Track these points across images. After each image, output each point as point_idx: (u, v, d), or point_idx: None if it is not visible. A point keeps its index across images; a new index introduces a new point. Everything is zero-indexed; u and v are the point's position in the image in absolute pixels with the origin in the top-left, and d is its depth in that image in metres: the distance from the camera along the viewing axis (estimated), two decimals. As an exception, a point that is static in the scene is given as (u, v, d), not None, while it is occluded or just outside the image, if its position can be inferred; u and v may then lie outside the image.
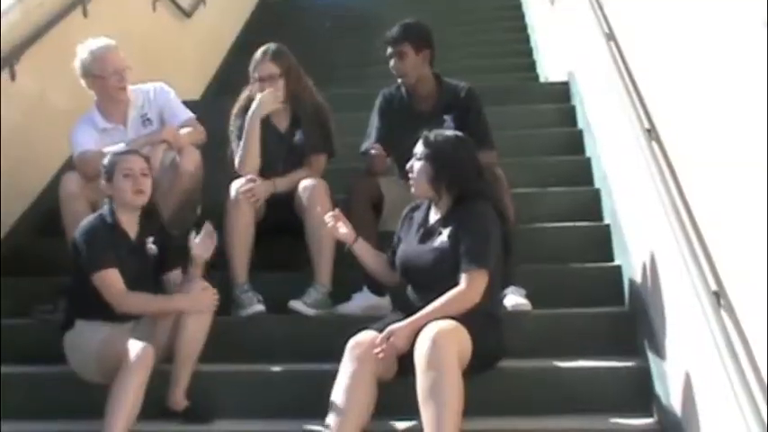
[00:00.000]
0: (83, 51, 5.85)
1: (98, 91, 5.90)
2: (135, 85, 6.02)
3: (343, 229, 4.98)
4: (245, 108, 5.79)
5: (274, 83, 5.72)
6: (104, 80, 5.84)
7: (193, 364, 4.88)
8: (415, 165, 4.75)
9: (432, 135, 4.76)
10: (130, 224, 5.03)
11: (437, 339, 4.20)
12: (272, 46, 5.79)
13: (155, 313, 4.97)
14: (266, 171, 5.66)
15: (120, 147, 5.42)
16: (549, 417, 4.68)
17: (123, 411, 4.50)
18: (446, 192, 4.72)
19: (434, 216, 4.78)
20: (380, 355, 4.37)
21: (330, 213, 5.02)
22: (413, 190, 4.81)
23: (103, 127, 5.91)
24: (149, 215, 5.13)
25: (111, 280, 4.86)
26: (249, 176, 5.55)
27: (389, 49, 5.80)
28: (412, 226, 4.84)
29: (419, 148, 4.75)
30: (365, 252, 5.04)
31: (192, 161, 5.78)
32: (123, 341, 4.67)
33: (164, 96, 6.07)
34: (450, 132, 4.84)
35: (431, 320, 4.36)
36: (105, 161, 5.07)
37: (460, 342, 4.30)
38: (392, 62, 5.79)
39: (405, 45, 5.73)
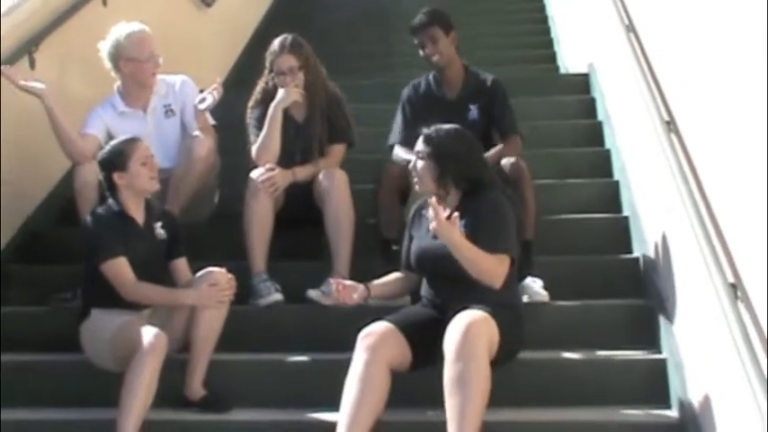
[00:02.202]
0: (119, 34, 5.86)
1: (129, 75, 5.92)
2: (160, 75, 6.03)
3: (355, 295, 4.75)
4: (262, 100, 5.81)
5: (294, 75, 5.72)
6: (140, 64, 5.87)
7: (210, 354, 4.89)
8: (418, 163, 4.72)
9: (432, 132, 4.72)
10: (137, 210, 5.05)
11: (470, 329, 4.19)
12: (289, 37, 5.77)
13: (163, 304, 5.00)
14: (284, 162, 5.66)
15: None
16: (567, 408, 4.68)
17: (137, 399, 4.51)
18: (453, 186, 4.70)
19: (444, 211, 4.75)
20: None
21: (333, 282, 4.82)
22: (417, 188, 4.80)
23: (123, 111, 5.94)
24: (156, 209, 5.18)
25: (120, 269, 4.88)
26: (268, 165, 5.56)
27: (417, 38, 5.86)
28: (422, 223, 4.80)
29: (420, 147, 4.72)
30: (383, 290, 4.92)
31: (204, 147, 5.78)
32: (137, 329, 4.68)
33: (190, 90, 6.08)
34: (448, 126, 4.78)
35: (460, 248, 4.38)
36: (111, 151, 5.07)
37: (491, 334, 4.29)
38: (425, 49, 5.85)
39: (435, 28, 5.82)
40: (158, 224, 5.10)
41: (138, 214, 5.05)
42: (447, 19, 5.89)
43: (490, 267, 4.47)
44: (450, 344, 4.21)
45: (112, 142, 5.18)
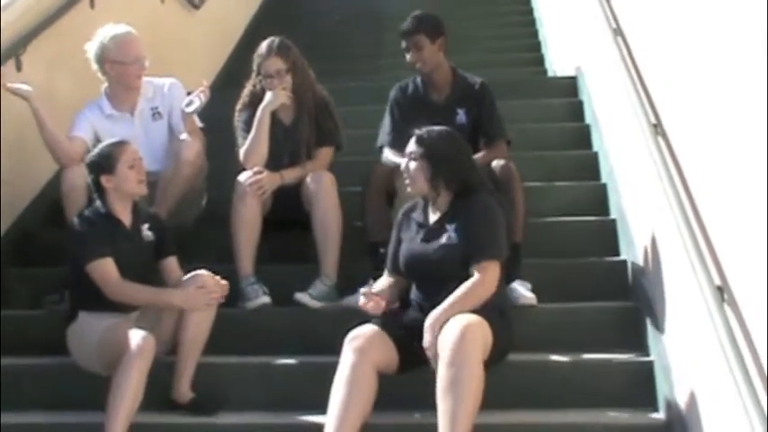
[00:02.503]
0: (104, 36, 5.83)
1: (114, 77, 5.90)
2: (147, 77, 6.01)
3: (381, 304, 4.65)
4: (250, 103, 5.82)
5: (282, 78, 5.72)
6: (125, 67, 5.84)
7: (198, 356, 4.89)
8: (411, 164, 4.72)
9: (424, 133, 4.73)
10: (124, 212, 5.04)
11: (465, 334, 4.20)
12: (276, 40, 5.77)
13: (149, 304, 4.97)
14: (272, 164, 5.66)
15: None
16: (554, 411, 4.70)
17: (125, 401, 4.50)
18: (445, 188, 4.70)
19: (434, 214, 4.76)
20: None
21: (363, 292, 4.70)
22: (409, 189, 4.79)
23: (110, 113, 5.92)
24: (143, 211, 5.16)
25: (106, 269, 4.87)
26: (256, 168, 5.56)
27: (404, 42, 5.81)
28: (411, 226, 4.81)
29: (412, 148, 4.72)
30: (391, 299, 4.84)
31: (192, 150, 5.76)
32: (125, 331, 4.67)
33: (178, 93, 6.06)
34: (439, 128, 4.80)
35: (454, 314, 4.35)
36: (99, 153, 5.06)
37: (485, 337, 4.31)
38: (409, 54, 5.80)
39: (420, 35, 5.75)
40: (145, 226, 5.09)
41: (125, 216, 5.04)
42: (434, 25, 5.82)
43: (480, 295, 4.48)
44: (445, 347, 4.22)
45: (100, 145, 5.17)
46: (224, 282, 4.93)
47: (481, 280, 4.49)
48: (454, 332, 4.21)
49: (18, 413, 4.90)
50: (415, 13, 5.89)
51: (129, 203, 5.06)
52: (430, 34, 5.76)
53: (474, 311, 4.37)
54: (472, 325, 4.25)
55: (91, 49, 5.87)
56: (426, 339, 4.37)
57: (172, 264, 5.14)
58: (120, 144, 5.08)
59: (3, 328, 5.39)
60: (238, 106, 5.88)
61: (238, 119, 5.86)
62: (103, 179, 4.98)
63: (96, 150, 5.11)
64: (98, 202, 5.04)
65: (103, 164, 4.99)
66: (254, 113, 5.71)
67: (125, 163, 4.97)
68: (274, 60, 5.71)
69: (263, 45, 5.77)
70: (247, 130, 5.73)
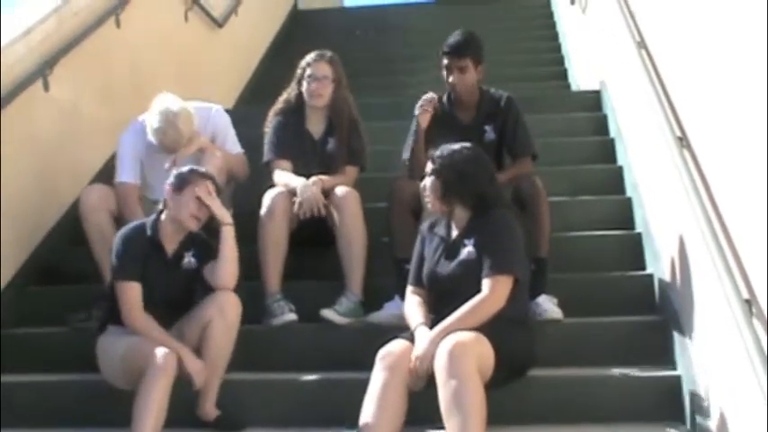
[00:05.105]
0: (153, 111, 5.67)
1: None
2: (194, 102, 5.97)
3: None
4: (281, 111, 5.94)
5: (323, 84, 5.82)
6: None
7: (221, 374, 4.89)
8: (427, 182, 4.75)
9: (438, 151, 4.75)
10: (171, 239, 5.01)
11: (454, 351, 4.21)
12: (328, 52, 5.92)
13: (154, 341, 4.78)
14: (300, 175, 5.69)
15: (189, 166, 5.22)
16: (581, 426, 4.67)
17: (149, 419, 4.51)
18: (461, 204, 4.72)
19: (455, 230, 4.77)
20: (418, 381, 4.40)
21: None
22: (429, 207, 4.82)
23: (150, 139, 5.85)
24: (196, 238, 5.07)
25: (129, 293, 4.86)
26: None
27: (447, 60, 5.70)
28: (433, 241, 4.83)
29: (429, 167, 4.75)
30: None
31: (213, 165, 5.66)
32: (149, 348, 4.67)
33: (221, 120, 6.08)
34: (457, 145, 4.78)
35: (457, 329, 4.38)
36: (182, 171, 5.01)
37: (480, 352, 4.31)
38: (452, 76, 5.69)
39: (467, 60, 5.68)
40: (189, 253, 5.05)
41: (169, 242, 5.01)
42: (480, 50, 5.75)
43: (486, 310, 4.49)
44: (438, 366, 4.25)
45: (191, 166, 5.15)
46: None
47: (489, 295, 4.51)
48: (444, 351, 4.24)
49: (42, 429, 4.95)
50: (464, 33, 5.76)
51: (179, 234, 5.02)
52: (475, 59, 5.71)
53: (482, 326, 4.39)
54: (461, 342, 4.26)
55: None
56: (421, 348, 4.39)
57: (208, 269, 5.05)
58: (201, 173, 5.03)
59: (31, 346, 5.44)
60: (272, 111, 5.97)
61: (270, 122, 5.95)
62: (168, 197, 4.96)
63: (187, 168, 5.09)
64: (150, 221, 5.03)
65: (177, 180, 4.99)
66: (283, 121, 5.86)
67: (192, 192, 4.93)
68: (323, 65, 5.85)
69: (313, 52, 5.92)
70: (275, 134, 5.86)
